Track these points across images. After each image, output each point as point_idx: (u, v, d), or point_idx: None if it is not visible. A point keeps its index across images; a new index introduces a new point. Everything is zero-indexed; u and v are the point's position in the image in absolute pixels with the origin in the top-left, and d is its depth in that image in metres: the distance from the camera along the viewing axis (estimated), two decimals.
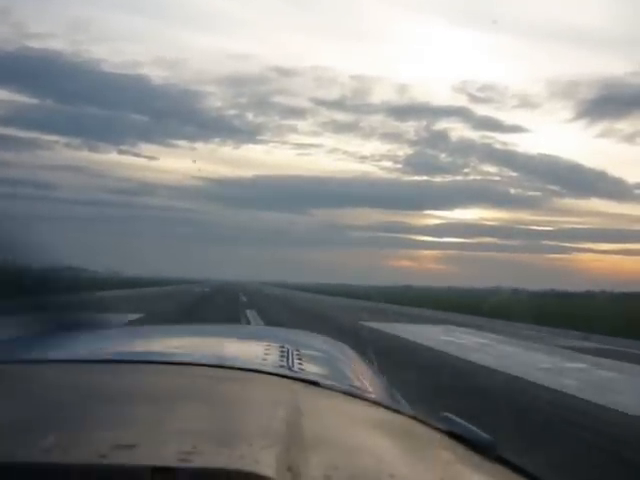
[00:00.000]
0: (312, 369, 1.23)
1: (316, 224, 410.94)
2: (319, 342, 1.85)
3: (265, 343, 1.46)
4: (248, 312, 23.66)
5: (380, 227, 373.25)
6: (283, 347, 1.39)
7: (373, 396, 1.18)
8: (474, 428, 0.95)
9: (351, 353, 1.78)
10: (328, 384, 1.09)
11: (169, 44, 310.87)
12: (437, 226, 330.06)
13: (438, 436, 0.94)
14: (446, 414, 1.00)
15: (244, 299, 37.63)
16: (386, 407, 1.05)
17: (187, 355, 1.24)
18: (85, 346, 1.42)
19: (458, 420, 0.98)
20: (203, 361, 1.15)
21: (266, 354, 1.31)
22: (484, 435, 0.94)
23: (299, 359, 1.29)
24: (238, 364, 1.14)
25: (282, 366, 1.20)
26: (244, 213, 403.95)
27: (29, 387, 0.93)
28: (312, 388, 1.04)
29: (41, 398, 0.85)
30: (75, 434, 0.68)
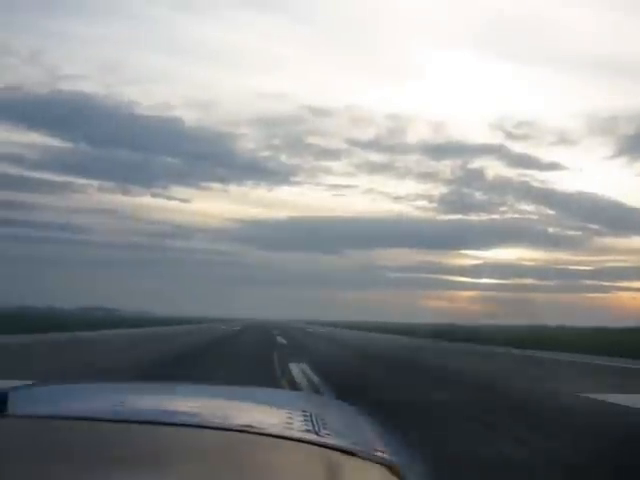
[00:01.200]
0: (340, 436, 1.21)
1: (351, 265, 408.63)
2: (337, 408, 1.85)
3: (285, 409, 1.47)
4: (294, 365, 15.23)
5: (415, 268, 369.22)
6: (305, 412, 1.38)
7: (405, 465, 1.15)
8: None
9: (369, 419, 1.65)
10: (365, 453, 1.07)
11: (201, 85, 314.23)
12: (474, 267, 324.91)
13: None
14: None
15: (282, 340, 32.41)
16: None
17: (209, 417, 1.25)
18: (92, 400, 1.43)
19: None
20: (226, 424, 1.13)
21: (289, 419, 1.29)
22: None
23: (324, 425, 1.25)
24: (265, 429, 1.11)
25: (309, 431, 1.17)
26: (278, 255, 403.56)
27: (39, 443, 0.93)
28: (347, 457, 1.03)
29: (52, 456, 0.85)
30: None
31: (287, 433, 1.12)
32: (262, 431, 1.08)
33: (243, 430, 1.07)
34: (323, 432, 1.17)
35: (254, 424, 1.15)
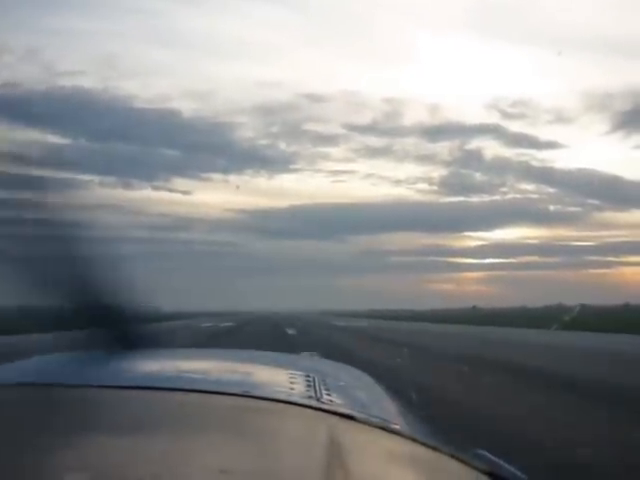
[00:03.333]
0: (341, 400, 1.21)
1: (353, 251, 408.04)
2: (341, 371, 1.79)
3: (288, 371, 1.46)
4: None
5: (419, 251, 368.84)
6: (308, 376, 1.37)
7: (406, 429, 1.15)
8: (508, 466, 1.00)
9: (372, 382, 1.72)
10: (363, 418, 1.06)
11: (198, 76, 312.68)
12: (478, 247, 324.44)
13: (474, 474, 0.94)
14: (480, 451, 1.02)
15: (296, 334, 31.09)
16: (422, 443, 1.02)
17: (210, 382, 1.24)
18: (106, 370, 1.40)
19: (492, 457, 1.02)
20: (228, 389, 1.12)
21: (292, 383, 1.29)
22: (518, 473, 1.00)
23: (326, 389, 1.27)
24: (266, 394, 1.12)
25: (310, 397, 1.18)
26: (280, 243, 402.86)
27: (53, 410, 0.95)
28: (347, 422, 1.02)
29: (53, 423, 0.86)
30: (96, 468, 0.68)
31: (288, 397, 1.12)
32: (264, 395, 1.09)
33: (244, 395, 1.07)
34: (325, 396, 1.19)
35: (255, 388, 1.16)
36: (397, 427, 1.09)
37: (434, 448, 0.99)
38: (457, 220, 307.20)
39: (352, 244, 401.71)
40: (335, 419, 1.01)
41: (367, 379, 1.73)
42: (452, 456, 0.97)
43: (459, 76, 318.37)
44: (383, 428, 1.04)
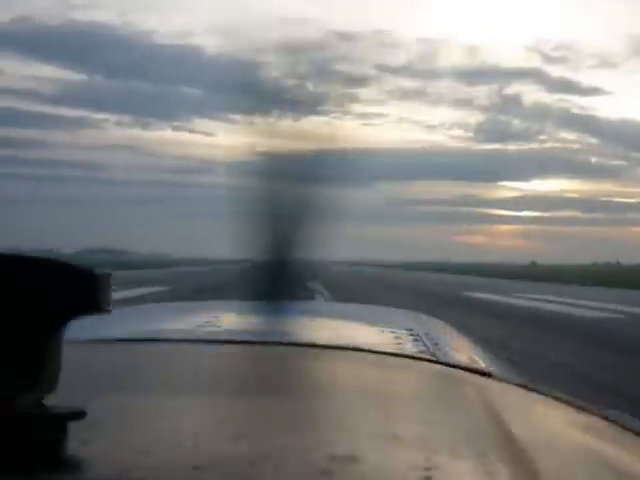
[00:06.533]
0: (454, 355, 1.21)
1: (383, 199, 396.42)
2: (427, 322, 1.75)
3: (384, 324, 1.47)
4: None
5: (452, 201, 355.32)
6: (411, 330, 1.37)
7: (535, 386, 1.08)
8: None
9: (456, 332, 1.70)
10: (502, 376, 1.04)
11: (221, 10, 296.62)
12: (514, 199, 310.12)
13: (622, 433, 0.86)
14: (613, 411, 0.95)
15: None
16: (571, 403, 0.94)
17: (316, 335, 1.24)
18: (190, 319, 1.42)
19: (628, 417, 0.93)
20: (346, 344, 1.09)
21: (398, 337, 1.29)
22: None
23: (435, 344, 1.25)
24: (387, 349, 1.10)
25: (423, 351, 1.17)
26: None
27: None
28: (487, 380, 0.98)
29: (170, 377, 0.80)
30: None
31: (400, 350, 1.12)
32: (373, 348, 1.07)
33: (356, 348, 1.06)
34: (433, 348, 1.18)
35: (365, 342, 1.15)
36: (535, 385, 1.02)
37: (583, 409, 0.90)
38: (493, 169, 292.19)
39: (381, 191, 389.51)
40: (474, 377, 0.97)
41: (454, 331, 1.69)
42: (602, 417, 0.88)
43: (499, 16, 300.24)
44: (522, 386, 0.97)
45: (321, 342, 1.08)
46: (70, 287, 0.45)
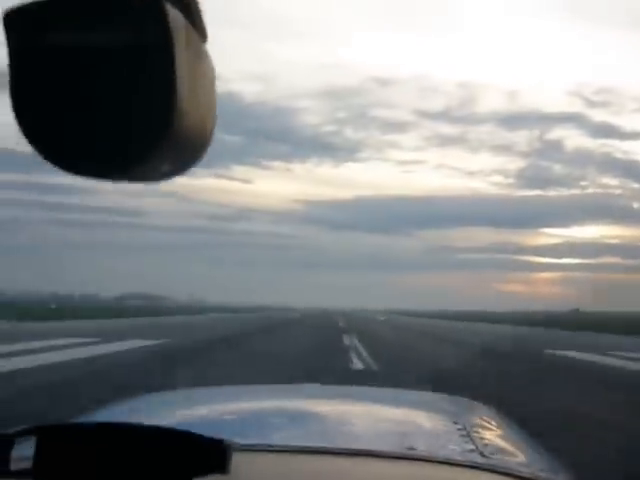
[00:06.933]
0: (502, 453, 1.14)
1: (420, 247, 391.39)
2: (475, 409, 1.68)
3: (429, 414, 1.45)
4: None
5: (491, 248, 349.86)
6: (457, 422, 1.29)
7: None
8: None
9: (502, 419, 1.56)
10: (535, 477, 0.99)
11: (260, 57, 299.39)
12: (554, 246, 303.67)
13: None
14: None
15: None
16: None
17: (354, 437, 1.18)
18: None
19: None
20: (389, 451, 1.03)
21: (444, 433, 1.24)
22: None
23: (481, 439, 1.17)
24: (427, 454, 1.03)
25: (472, 450, 1.09)
26: (343, 236, 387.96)
27: None
28: None
29: None
30: None
31: (447, 455, 1.04)
32: (423, 457, 1.01)
33: (402, 457, 1.00)
34: (486, 452, 1.09)
35: (404, 442, 1.09)
36: None
37: None
38: (533, 215, 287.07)
39: (420, 239, 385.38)
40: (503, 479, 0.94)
41: (496, 415, 1.58)
42: None
43: (540, 60, 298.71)
44: None
45: (355, 447, 1.03)
46: (193, 457, 0.56)
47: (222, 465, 0.61)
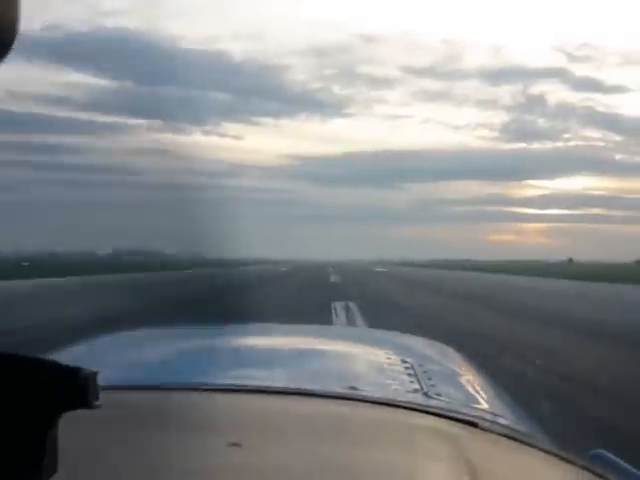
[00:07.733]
0: (448, 393, 1.12)
1: (409, 199, 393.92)
2: (431, 349, 1.72)
3: (380, 352, 1.42)
4: None
5: (478, 200, 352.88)
6: (406, 362, 1.28)
7: (510, 420, 1.07)
8: (629, 466, 0.89)
9: (462, 359, 1.61)
10: (487, 426, 0.95)
11: (248, 16, 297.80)
12: (539, 197, 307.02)
13: None
14: (599, 451, 0.93)
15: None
16: (540, 448, 0.90)
17: (305, 377, 1.19)
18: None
19: (612, 457, 0.92)
20: (326, 387, 1.04)
21: (390, 372, 1.21)
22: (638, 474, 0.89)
23: (429, 379, 1.16)
24: (369, 394, 1.02)
25: (416, 390, 1.09)
26: (333, 191, 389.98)
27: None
28: (472, 430, 0.90)
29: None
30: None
31: (392, 397, 1.03)
32: (363, 397, 0.99)
33: (341, 396, 0.98)
34: (430, 390, 1.09)
35: (355, 382, 1.08)
36: (525, 437, 0.96)
37: (554, 454, 0.89)
38: (518, 168, 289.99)
39: (407, 192, 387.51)
40: (458, 428, 0.89)
41: (459, 358, 1.61)
42: (570, 461, 0.87)
43: (522, 17, 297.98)
44: (511, 438, 0.92)
45: (306, 388, 1.03)
46: (59, 386, 0.46)
47: (84, 398, 0.47)
